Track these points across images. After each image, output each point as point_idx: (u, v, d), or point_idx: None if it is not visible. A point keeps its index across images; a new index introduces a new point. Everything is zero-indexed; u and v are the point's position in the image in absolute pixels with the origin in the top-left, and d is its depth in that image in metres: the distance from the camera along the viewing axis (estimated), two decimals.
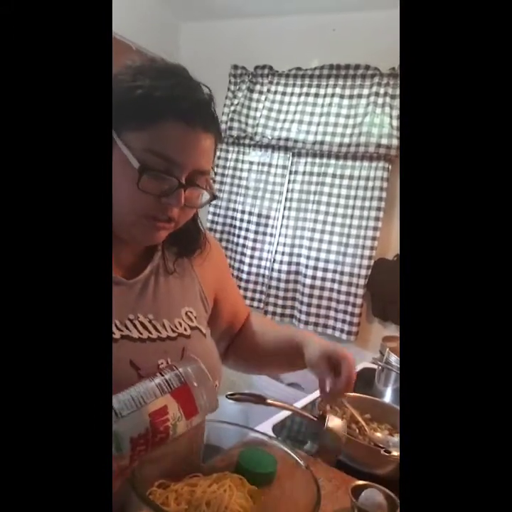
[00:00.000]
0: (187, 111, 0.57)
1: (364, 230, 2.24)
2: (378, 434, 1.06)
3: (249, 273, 2.56)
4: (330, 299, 2.36)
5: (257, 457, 0.66)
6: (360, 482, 0.79)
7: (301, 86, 2.40)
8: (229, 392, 0.79)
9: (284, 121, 2.43)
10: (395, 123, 2.15)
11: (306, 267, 2.39)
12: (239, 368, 0.90)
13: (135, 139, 0.57)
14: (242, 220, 2.59)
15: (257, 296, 2.55)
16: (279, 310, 2.49)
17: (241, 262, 2.60)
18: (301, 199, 2.42)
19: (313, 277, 2.37)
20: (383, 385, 1.41)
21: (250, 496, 0.60)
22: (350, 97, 2.28)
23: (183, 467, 0.67)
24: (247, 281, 2.57)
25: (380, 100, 2.18)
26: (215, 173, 2.63)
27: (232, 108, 2.55)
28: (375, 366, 1.51)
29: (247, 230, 2.57)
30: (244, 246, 2.59)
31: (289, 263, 2.46)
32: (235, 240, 2.63)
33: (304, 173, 2.41)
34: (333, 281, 2.34)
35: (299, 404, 1.13)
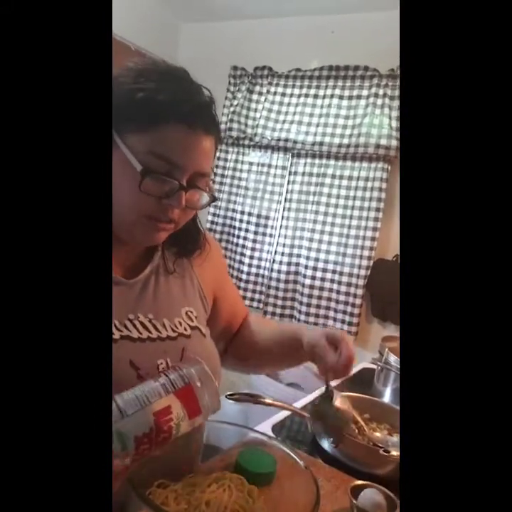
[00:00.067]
0: (188, 114, 0.58)
1: (363, 231, 2.24)
2: (377, 434, 1.06)
3: (248, 273, 2.57)
4: (329, 299, 2.36)
5: (257, 457, 0.66)
6: (360, 482, 0.79)
7: (301, 87, 2.40)
8: (228, 392, 0.79)
9: (284, 122, 2.43)
10: (394, 124, 2.15)
11: (306, 267, 2.40)
12: (238, 368, 0.90)
13: (137, 141, 0.57)
14: (241, 221, 2.60)
15: (257, 296, 2.55)
16: (278, 310, 2.49)
17: (241, 262, 2.60)
18: (300, 200, 2.42)
19: (313, 277, 2.37)
20: (382, 385, 1.41)
21: (250, 495, 0.60)
22: (350, 98, 2.28)
23: (182, 467, 0.67)
24: (247, 281, 2.57)
25: (379, 101, 2.18)
26: (215, 174, 2.64)
27: (232, 109, 2.55)
28: (374, 366, 1.51)
29: (246, 230, 2.58)
30: (243, 246, 2.59)
31: (289, 263, 2.46)
32: (235, 240, 2.63)
33: (303, 173, 2.42)
34: (332, 281, 2.35)
35: (299, 404, 1.13)
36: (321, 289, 2.37)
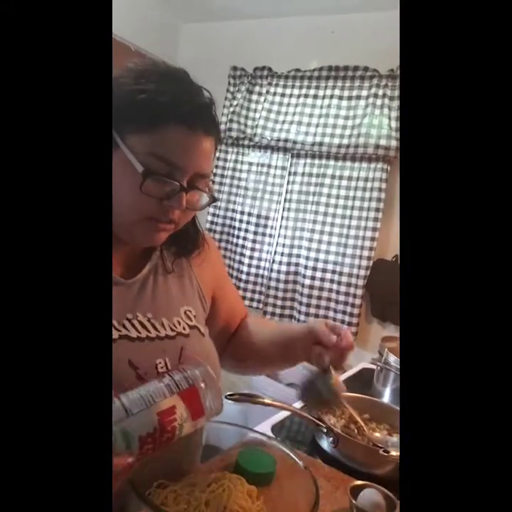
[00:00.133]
0: (189, 115, 0.58)
1: (363, 231, 2.24)
2: (377, 434, 1.06)
3: (248, 273, 2.57)
4: (329, 299, 2.37)
5: (256, 457, 0.66)
6: (359, 482, 0.79)
7: (300, 87, 2.40)
8: (228, 393, 0.79)
9: (283, 122, 2.43)
10: (394, 124, 2.15)
11: (305, 267, 2.40)
12: (236, 369, 0.89)
13: (137, 142, 0.57)
14: (241, 221, 2.60)
15: (256, 296, 2.55)
16: (278, 310, 2.49)
17: (240, 262, 2.60)
18: (300, 200, 2.43)
19: (313, 278, 2.38)
20: (382, 385, 1.41)
21: (249, 496, 0.60)
22: (349, 98, 2.28)
23: (182, 467, 0.67)
24: (247, 281, 2.57)
25: (378, 101, 2.18)
26: (215, 175, 2.64)
27: (232, 109, 2.55)
28: (373, 366, 1.51)
29: (246, 230, 2.58)
30: (243, 246, 2.59)
31: (288, 263, 2.46)
32: (235, 240, 2.63)
33: (303, 174, 2.42)
34: (332, 281, 2.35)
35: (298, 404, 1.13)
36: (321, 289, 2.37)
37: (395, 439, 1.05)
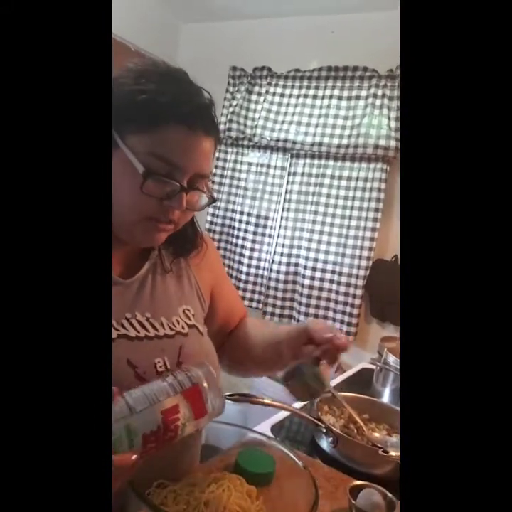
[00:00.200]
0: (188, 115, 0.58)
1: (362, 231, 2.25)
2: (376, 434, 1.06)
3: (248, 273, 2.57)
4: (328, 299, 2.37)
5: (256, 457, 0.67)
6: (358, 482, 0.79)
7: (300, 87, 2.40)
8: (228, 393, 0.79)
9: (283, 122, 2.43)
10: (393, 124, 2.16)
11: (305, 267, 2.40)
12: (233, 370, 0.88)
13: (137, 142, 0.58)
14: (240, 221, 2.60)
15: (256, 296, 2.55)
16: (277, 310, 2.49)
17: (240, 262, 2.60)
18: (299, 200, 2.43)
19: (312, 278, 2.38)
20: (381, 385, 1.41)
21: (249, 496, 0.60)
22: (349, 98, 2.28)
23: (181, 467, 0.67)
24: (246, 281, 2.57)
25: (378, 102, 2.18)
26: (214, 175, 2.64)
27: (231, 109, 2.55)
28: (373, 366, 1.51)
29: (245, 230, 2.58)
30: (243, 246, 2.59)
31: (288, 264, 2.46)
32: (234, 240, 2.63)
33: (302, 174, 2.42)
34: (331, 281, 2.35)
35: (298, 404, 1.13)
36: (320, 289, 2.37)
37: (395, 439, 1.05)
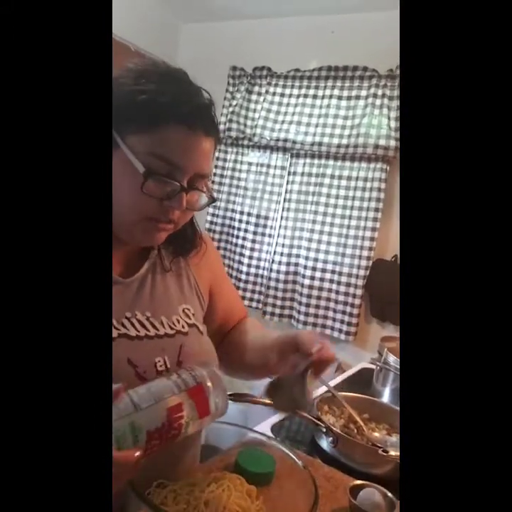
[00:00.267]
0: (188, 115, 0.58)
1: (362, 231, 2.25)
2: (376, 434, 1.06)
3: (248, 273, 2.57)
4: (328, 299, 2.37)
5: (256, 457, 0.67)
6: (358, 482, 0.79)
7: (300, 87, 2.40)
8: (228, 393, 0.79)
9: (283, 122, 2.43)
10: (393, 124, 2.16)
11: (305, 267, 2.40)
12: (231, 370, 0.87)
13: (137, 142, 0.58)
14: (240, 221, 2.60)
15: (256, 296, 2.55)
16: (277, 310, 2.49)
17: (240, 262, 2.60)
18: (299, 200, 2.43)
19: (312, 278, 2.38)
20: (381, 385, 1.41)
21: (249, 495, 0.60)
22: (349, 98, 2.28)
23: (181, 467, 0.67)
24: (246, 281, 2.57)
25: (377, 101, 2.18)
26: (214, 175, 2.64)
27: (231, 109, 2.55)
28: (373, 366, 1.51)
29: (245, 230, 2.58)
30: (243, 246, 2.59)
31: (288, 263, 2.46)
32: (234, 240, 2.63)
33: (302, 173, 2.42)
34: (331, 281, 2.35)
35: None
36: (320, 289, 2.37)
37: (394, 438, 1.06)
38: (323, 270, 2.36)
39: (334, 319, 2.35)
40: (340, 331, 2.32)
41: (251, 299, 2.55)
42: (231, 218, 2.65)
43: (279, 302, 2.48)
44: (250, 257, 2.56)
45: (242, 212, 2.59)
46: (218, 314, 0.82)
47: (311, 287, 2.38)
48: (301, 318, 2.40)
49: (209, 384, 0.52)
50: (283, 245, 2.47)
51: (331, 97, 2.32)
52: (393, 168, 2.21)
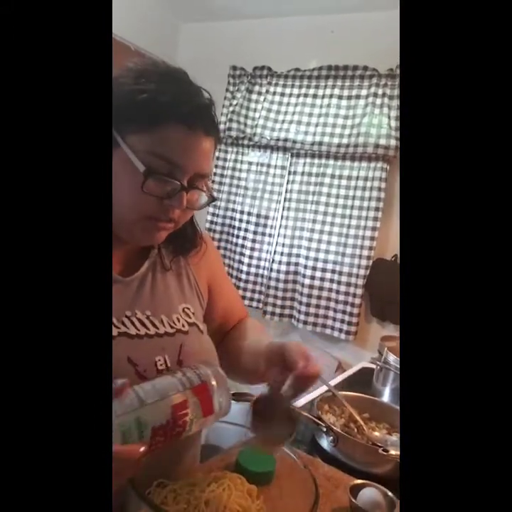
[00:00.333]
0: (188, 115, 0.58)
1: (362, 230, 2.25)
2: (376, 434, 1.06)
3: (248, 273, 2.57)
4: (329, 298, 2.37)
5: (256, 457, 0.67)
6: (359, 481, 0.79)
7: (300, 87, 2.40)
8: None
9: (283, 121, 2.43)
10: (393, 123, 2.16)
11: (305, 266, 2.40)
12: (229, 373, 0.85)
13: (137, 141, 0.58)
14: (241, 221, 2.60)
15: (256, 296, 2.55)
16: (278, 310, 2.49)
17: (240, 262, 2.60)
18: (299, 199, 2.43)
19: (312, 277, 2.38)
20: (382, 384, 1.41)
21: (249, 495, 0.60)
22: (349, 97, 2.28)
23: (182, 466, 0.68)
24: (246, 281, 2.57)
25: (378, 101, 2.18)
26: (215, 174, 2.64)
27: (231, 109, 2.55)
28: (373, 366, 1.51)
29: (246, 230, 2.58)
30: (243, 246, 2.59)
31: (288, 263, 2.46)
32: (234, 240, 2.63)
33: (302, 173, 2.42)
34: (331, 281, 2.35)
35: (298, 403, 1.13)
36: (321, 288, 2.37)
37: (395, 438, 1.06)
38: (324, 270, 2.36)
39: (334, 319, 2.35)
40: (340, 330, 2.32)
41: (251, 299, 2.55)
42: (231, 218, 2.65)
43: (279, 302, 2.48)
44: (250, 257, 2.56)
45: (242, 212, 2.59)
46: (218, 313, 0.82)
47: (311, 287, 2.38)
48: (302, 317, 2.40)
49: (213, 383, 0.52)
50: (283, 245, 2.47)
51: (331, 96, 2.31)
52: (393, 167, 2.21)
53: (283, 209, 2.47)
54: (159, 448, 0.48)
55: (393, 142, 2.15)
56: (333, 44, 2.37)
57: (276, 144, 2.45)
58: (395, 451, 0.91)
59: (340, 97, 2.30)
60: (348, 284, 2.29)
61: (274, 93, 2.47)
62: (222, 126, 2.52)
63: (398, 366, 1.37)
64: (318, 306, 2.38)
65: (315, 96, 2.36)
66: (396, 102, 2.16)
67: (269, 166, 2.51)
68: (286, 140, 2.41)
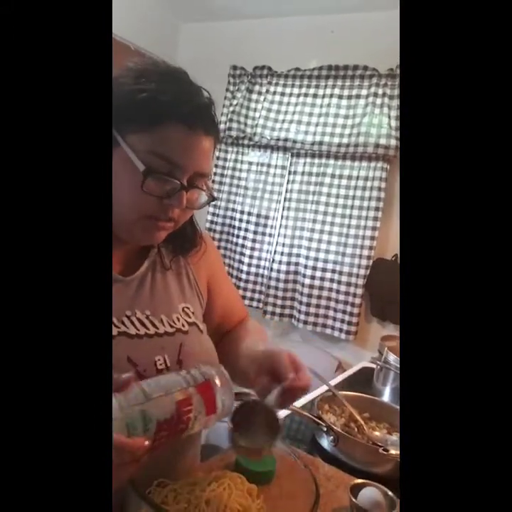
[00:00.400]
0: (188, 115, 0.58)
1: (363, 230, 2.25)
2: (377, 433, 1.06)
3: (248, 273, 2.57)
4: (329, 298, 2.37)
5: None
6: (359, 481, 0.79)
7: (300, 86, 2.40)
8: None
9: (283, 121, 2.43)
10: (393, 123, 2.16)
11: (305, 266, 2.40)
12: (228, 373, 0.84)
13: (137, 141, 0.58)
14: (241, 220, 2.60)
15: (256, 296, 2.55)
16: (278, 310, 2.49)
17: (240, 261, 2.60)
18: (300, 199, 2.43)
19: (312, 277, 2.38)
20: (382, 384, 1.41)
21: (249, 494, 0.60)
22: (349, 97, 2.28)
23: (182, 466, 0.68)
24: (247, 281, 2.57)
25: (378, 101, 2.18)
26: (215, 174, 2.64)
27: (231, 108, 2.55)
28: (373, 365, 1.51)
29: (246, 230, 2.58)
30: (243, 246, 2.59)
31: (288, 263, 2.46)
32: (235, 240, 2.63)
33: (302, 173, 2.42)
34: (331, 281, 2.35)
35: (298, 403, 1.13)
36: (321, 288, 2.37)
37: (395, 437, 1.06)
38: (324, 269, 2.36)
39: (334, 318, 2.35)
40: (340, 330, 2.32)
41: (251, 299, 2.55)
42: (231, 218, 2.65)
43: (279, 302, 2.48)
44: (251, 257, 2.56)
45: (242, 212, 2.59)
46: (217, 313, 0.82)
47: (311, 287, 2.38)
48: (302, 317, 2.40)
49: (217, 381, 0.52)
50: (283, 245, 2.47)
51: (331, 96, 2.31)
52: (394, 167, 2.21)
53: (283, 209, 2.47)
54: (162, 444, 0.48)
55: (393, 142, 2.15)
56: (333, 44, 2.37)
57: (276, 144, 2.45)
58: (395, 451, 0.91)
59: (340, 97, 2.30)
60: (348, 284, 2.29)
61: (275, 93, 2.47)
62: (222, 126, 2.52)
63: (398, 366, 1.37)
64: (318, 306, 2.38)
65: (315, 96, 2.36)
66: (396, 102, 2.16)
67: (269, 165, 2.51)
68: (286, 140, 2.41)
